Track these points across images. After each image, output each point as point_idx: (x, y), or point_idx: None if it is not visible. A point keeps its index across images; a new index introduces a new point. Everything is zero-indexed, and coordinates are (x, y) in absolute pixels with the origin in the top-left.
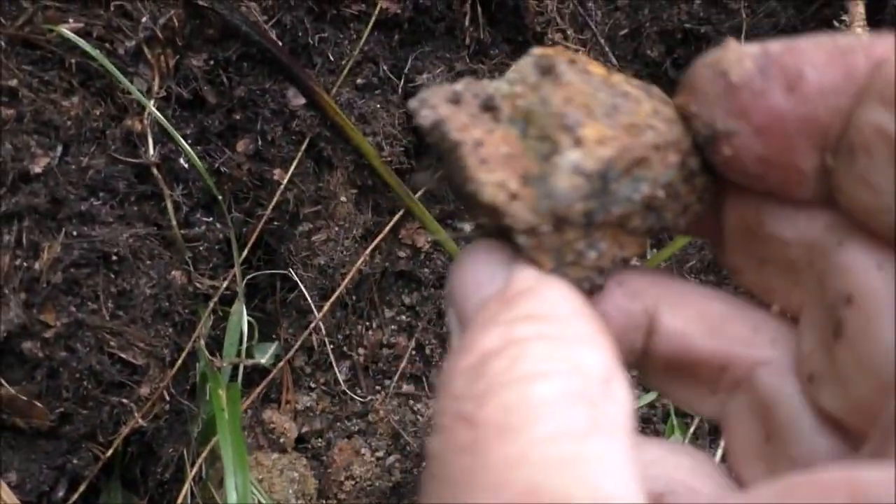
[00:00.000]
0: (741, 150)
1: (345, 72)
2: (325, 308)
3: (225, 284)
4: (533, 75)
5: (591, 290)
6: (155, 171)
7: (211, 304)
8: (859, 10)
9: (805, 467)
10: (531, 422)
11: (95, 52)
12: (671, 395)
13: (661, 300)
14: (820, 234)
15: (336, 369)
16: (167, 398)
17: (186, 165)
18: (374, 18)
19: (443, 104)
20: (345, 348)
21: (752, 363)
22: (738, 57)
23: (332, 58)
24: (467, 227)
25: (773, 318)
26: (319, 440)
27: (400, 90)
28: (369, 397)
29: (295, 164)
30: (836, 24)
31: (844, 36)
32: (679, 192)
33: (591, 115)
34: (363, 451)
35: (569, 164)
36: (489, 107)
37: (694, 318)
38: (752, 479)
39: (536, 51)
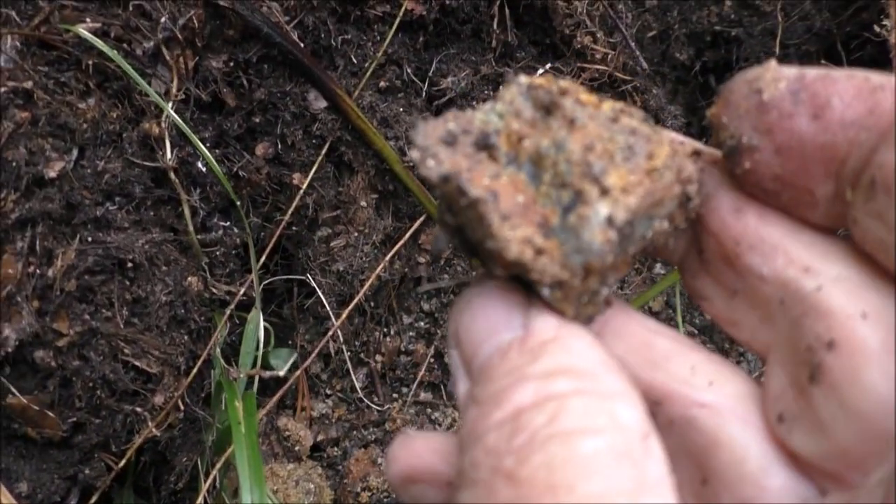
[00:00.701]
0: (760, 165)
1: (367, 74)
2: (344, 315)
3: (242, 291)
4: (528, 110)
5: (591, 319)
6: (172, 175)
7: (228, 311)
8: None
9: None
10: (580, 479)
11: (113, 53)
12: None
13: (606, 326)
14: (797, 275)
15: (353, 376)
16: (181, 407)
17: (204, 169)
18: (398, 20)
19: (441, 149)
20: (362, 355)
21: (689, 402)
22: (775, 77)
23: (354, 60)
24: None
25: (711, 361)
26: (335, 449)
27: (424, 93)
28: (386, 405)
29: (315, 168)
30: (877, 28)
31: (880, 74)
32: (675, 217)
33: (612, 162)
34: (380, 461)
35: (601, 219)
36: (485, 145)
37: (636, 348)
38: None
39: (523, 80)
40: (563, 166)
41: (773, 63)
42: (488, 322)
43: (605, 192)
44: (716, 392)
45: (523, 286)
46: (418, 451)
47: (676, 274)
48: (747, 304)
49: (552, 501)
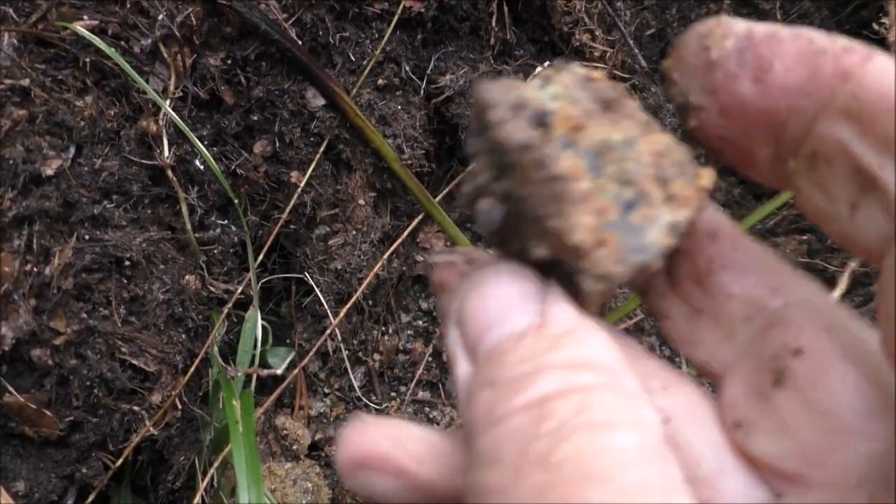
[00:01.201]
0: (706, 124)
1: (366, 72)
2: (342, 313)
3: (240, 289)
4: (586, 101)
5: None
6: (170, 173)
7: (225, 310)
8: None
9: None
10: (617, 470)
11: (110, 51)
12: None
13: None
14: (765, 293)
15: (351, 375)
16: (179, 406)
17: (202, 167)
18: (396, 17)
19: (510, 115)
20: (360, 354)
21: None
22: (724, 34)
23: (353, 57)
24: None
25: (663, 368)
26: (333, 448)
27: (422, 91)
28: (384, 404)
29: (313, 166)
30: (875, 26)
31: (826, 36)
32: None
33: (679, 172)
34: None
35: (665, 223)
36: (541, 123)
37: None
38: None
39: (579, 69)
40: (630, 164)
41: (724, 18)
42: (500, 305)
43: (670, 198)
44: (670, 397)
45: (542, 275)
46: (373, 436)
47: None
48: (711, 322)
49: (591, 491)
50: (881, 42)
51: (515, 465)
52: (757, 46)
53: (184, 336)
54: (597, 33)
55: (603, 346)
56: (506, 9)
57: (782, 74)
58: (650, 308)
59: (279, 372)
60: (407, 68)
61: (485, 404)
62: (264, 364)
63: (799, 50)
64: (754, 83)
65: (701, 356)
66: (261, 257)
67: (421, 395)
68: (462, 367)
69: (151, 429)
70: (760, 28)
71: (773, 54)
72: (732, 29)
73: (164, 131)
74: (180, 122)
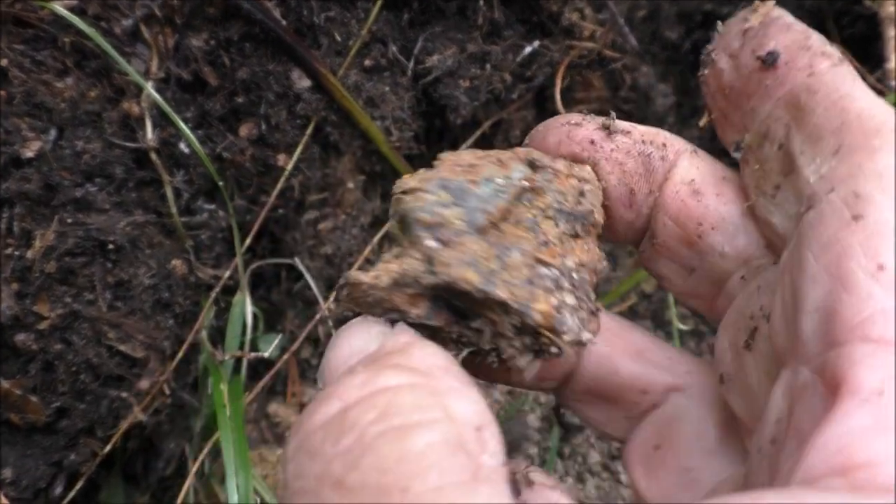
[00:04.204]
0: (709, 79)
1: (352, 53)
2: (332, 298)
3: (227, 274)
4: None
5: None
6: (154, 156)
7: (213, 295)
8: None
9: (690, 479)
10: (414, 478)
11: (91, 31)
12: (585, 415)
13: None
14: (759, 252)
15: None
16: (168, 392)
17: (187, 150)
18: None
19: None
20: None
21: (667, 387)
22: (755, 15)
23: (338, 38)
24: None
25: (685, 355)
26: None
27: (410, 72)
28: None
29: (300, 149)
30: (866, 1)
31: (819, 38)
32: None
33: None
34: None
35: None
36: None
37: (621, 346)
38: (634, 479)
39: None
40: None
41: (769, 4)
42: (350, 349)
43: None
44: (692, 378)
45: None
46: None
47: None
48: (705, 279)
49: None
50: (871, 18)
51: (315, 492)
52: (757, 32)
53: (171, 322)
54: (586, 12)
55: (428, 355)
56: None
57: (749, 62)
58: (647, 270)
59: (266, 355)
60: (394, 49)
61: (292, 429)
62: (255, 351)
63: (786, 42)
64: (731, 59)
65: (703, 308)
66: (248, 242)
67: None
68: None
69: (140, 415)
70: (777, 21)
71: (770, 41)
72: (771, 14)
73: (146, 113)
74: (163, 103)
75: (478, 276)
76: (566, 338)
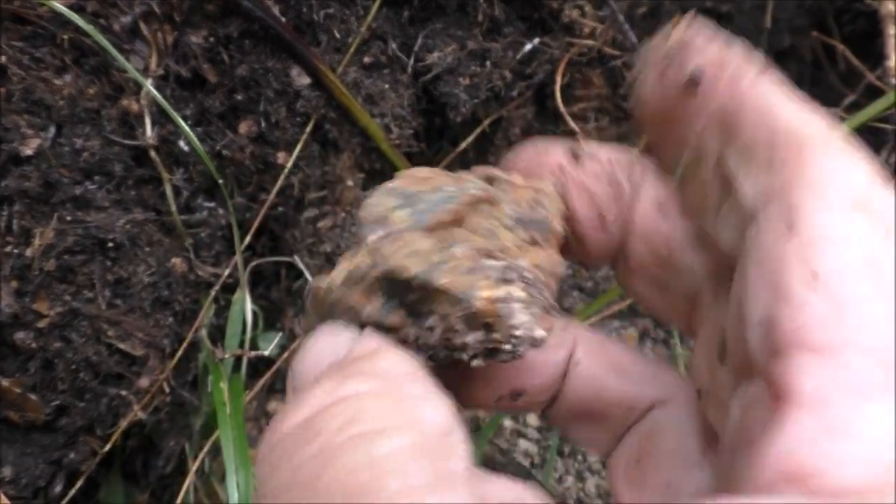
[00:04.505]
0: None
1: (352, 50)
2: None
3: (227, 272)
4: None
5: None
6: (153, 153)
7: (213, 293)
8: None
9: (672, 492)
10: (378, 480)
11: (90, 28)
12: (572, 433)
13: (579, 348)
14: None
15: None
16: (168, 390)
17: (186, 148)
18: None
19: None
20: None
21: (652, 400)
22: (675, 33)
23: (338, 35)
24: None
25: (668, 370)
26: None
27: (409, 69)
28: None
29: (300, 146)
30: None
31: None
32: None
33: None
34: None
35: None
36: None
37: (605, 364)
38: (617, 493)
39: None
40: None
41: (687, 19)
42: (319, 356)
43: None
44: (676, 390)
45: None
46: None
47: None
48: (679, 295)
49: None
50: (872, 15)
51: (285, 495)
52: (677, 52)
53: (171, 319)
54: (586, 9)
55: (395, 363)
56: None
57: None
58: (623, 289)
59: (266, 353)
60: (394, 46)
61: (264, 438)
62: (255, 349)
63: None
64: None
65: (682, 324)
66: (248, 240)
67: None
68: None
69: (140, 413)
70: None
71: (691, 60)
72: (689, 30)
73: (146, 111)
74: (163, 101)
75: (419, 265)
76: (517, 332)
